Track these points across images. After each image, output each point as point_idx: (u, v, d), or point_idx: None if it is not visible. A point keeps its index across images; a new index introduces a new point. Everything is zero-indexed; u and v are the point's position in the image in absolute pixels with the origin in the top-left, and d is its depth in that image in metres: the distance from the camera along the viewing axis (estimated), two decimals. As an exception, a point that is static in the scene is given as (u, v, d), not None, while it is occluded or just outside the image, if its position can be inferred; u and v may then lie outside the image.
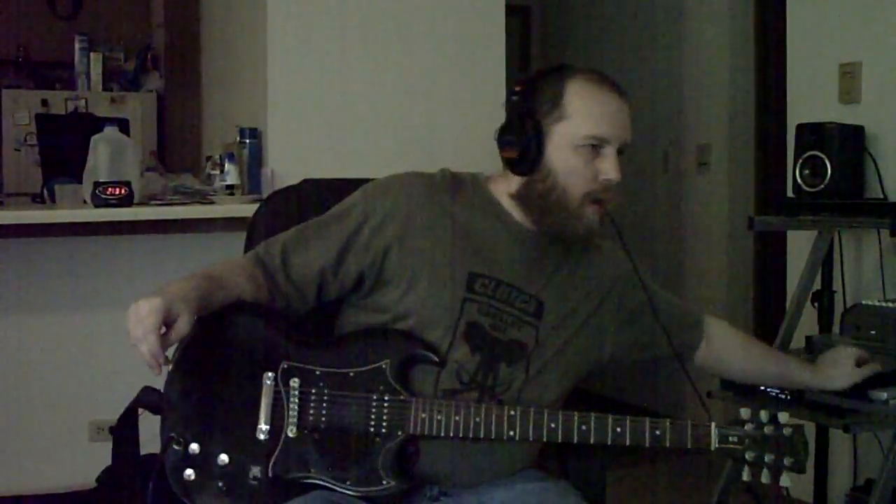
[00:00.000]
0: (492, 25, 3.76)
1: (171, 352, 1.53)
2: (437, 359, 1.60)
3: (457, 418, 1.55)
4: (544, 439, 1.58)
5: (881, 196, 3.06)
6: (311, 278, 1.67)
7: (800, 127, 3.08)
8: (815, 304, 3.08)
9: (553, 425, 1.56)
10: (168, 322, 1.45)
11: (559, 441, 1.58)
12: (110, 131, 3.07)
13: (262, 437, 1.55)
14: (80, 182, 3.02)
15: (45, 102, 5.06)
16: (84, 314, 3.17)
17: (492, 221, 1.70)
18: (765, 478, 1.56)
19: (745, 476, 1.58)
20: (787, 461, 1.55)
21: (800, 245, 3.28)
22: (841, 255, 3.12)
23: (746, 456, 1.56)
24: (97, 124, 3.17)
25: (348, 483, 1.55)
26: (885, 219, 2.79)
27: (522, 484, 1.66)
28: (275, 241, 1.70)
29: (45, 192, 3.22)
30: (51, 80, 5.41)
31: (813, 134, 3.02)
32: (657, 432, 1.56)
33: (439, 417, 1.55)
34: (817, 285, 3.08)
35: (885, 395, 2.40)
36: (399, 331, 1.63)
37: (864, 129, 3.10)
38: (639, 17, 4.91)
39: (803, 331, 3.02)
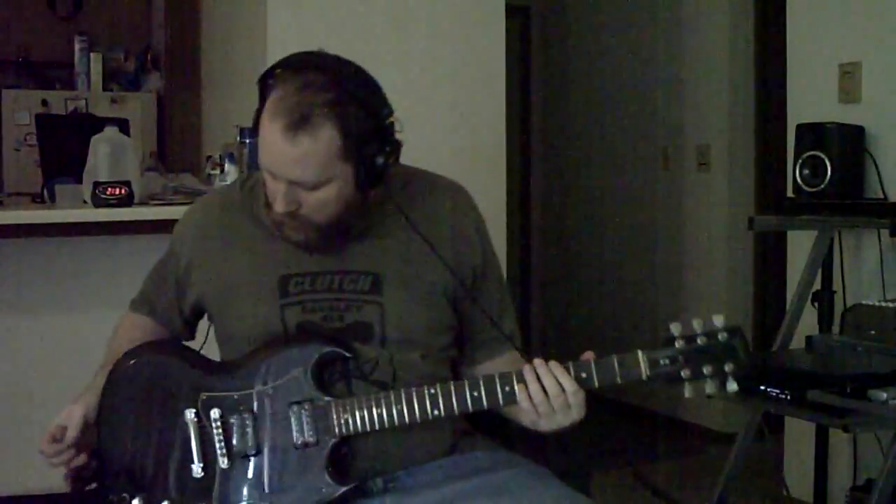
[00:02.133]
0: (492, 25, 3.76)
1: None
2: (348, 353, 1.56)
3: (378, 411, 1.52)
4: (470, 410, 1.52)
5: (881, 196, 3.06)
6: (175, 322, 1.76)
7: (800, 127, 3.08)
8: (815, 304, 3.08)
9: (476, 393, 1.51)
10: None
11: (486, 408, 1.52)
12: (110, 131, 3.06)
13: (197, 475, 1.54)
14: (80, 182, 3.02)
15: (45, 102, 5.06)
16: (84, 314, 3.16)
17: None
18: (709, 389, 1.50)
19: (688, 393, 1.51)
20: (728, 367, 1.49)
21: (800, 245, 3.28)
22: (841, 255, 3.12)
23: (682, 374, 1.49)
24: (97, 124, 3.17)
25: (291, 500, 1.53)
26: (885, 219, 2.80)
27: (485, 475, 1.59)
28: (141, 287, 1.81)
29: (45, 192, 3.22)
30: (51, 80, 5.40)
31: (813, 134, 3.02)
32: (583, 375, 1.50)
33: (362, 414, 1.52)
34: (817, 285, 3.08)
35: (884, 395, 2.41)
36: (306, 334, 1.59)
37: (864, 129, 3.10)
38: (638, 17, 4.91)
39: (803, 331, 3.02)
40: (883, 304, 2.74)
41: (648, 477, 3.83)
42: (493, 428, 1.76)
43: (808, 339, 2.93)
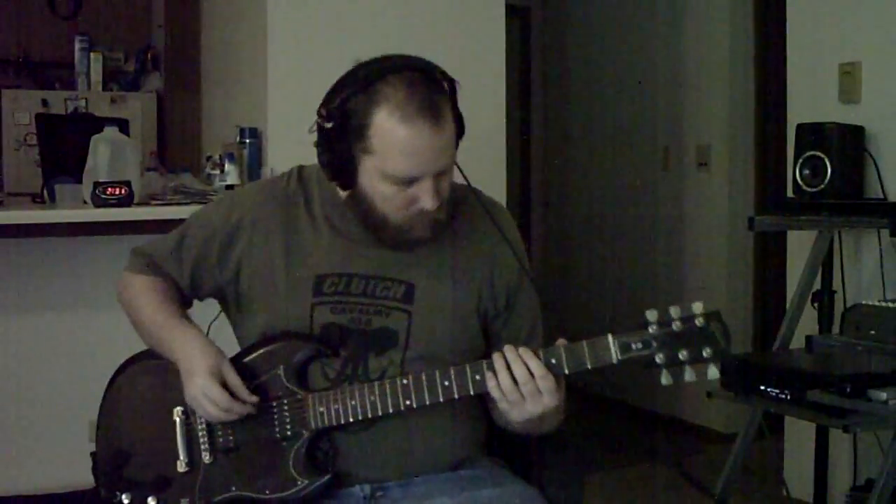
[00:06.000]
0: (492, 25, 3.76)
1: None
2: (329, 350, 1.59)
3: (353, 402, 1.54)
4: (441, 399, 1.52)
5: (881, 196, 3.06)
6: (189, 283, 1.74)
7: (800, 127, 3.08)
8: (815, 304, 3.08)
9: (447, 383, 1.51)
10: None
11: (456, 397, 1.52)
12: (110, 131, 3.07)
13: (182, 469, 1.60)
14: (80, 182, 3.02)
15: (45, 102, 5.05)
16: (84, 314, 3.17)
17: (339, 217, 1.65)
18: (688, 376, 1.45)
19: (665, 380, 1.45)
20: (706, 353, 1.45)
21: (800, 245, 3.28)
22: (841, 255, 3.13)
23: (656, 359, 1.45)
24: (97, 124, 3.17)
25: (268, 492, 1.57)
26: (885, 219, 2.80)
27: (471, 492, 1.59)
28: (149, 251, 1.76)
29: (45, 192, 3.22)
30: (51, 80, 5.40)
31: (813, 134, 3.02)
32: (553, 361, 1.47)
33: (336, 407, 1.55)
34: (817, 285, 3.08)
35: (884, 395, 2.41)
36: (289, 333, 1.61)
37: (864, 129, 3.10)
38: (639, 17, 4.91)
39: (803, 331, 3.02)
40: (883, 304, 2.75)
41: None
42: (502, 449, 1.76)
43: (808, 339, 2.93)
